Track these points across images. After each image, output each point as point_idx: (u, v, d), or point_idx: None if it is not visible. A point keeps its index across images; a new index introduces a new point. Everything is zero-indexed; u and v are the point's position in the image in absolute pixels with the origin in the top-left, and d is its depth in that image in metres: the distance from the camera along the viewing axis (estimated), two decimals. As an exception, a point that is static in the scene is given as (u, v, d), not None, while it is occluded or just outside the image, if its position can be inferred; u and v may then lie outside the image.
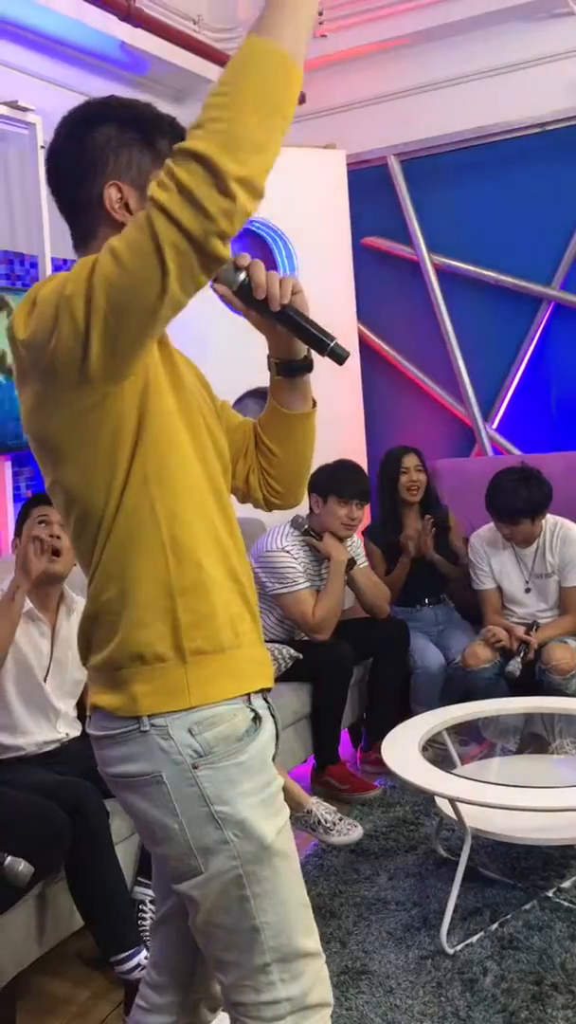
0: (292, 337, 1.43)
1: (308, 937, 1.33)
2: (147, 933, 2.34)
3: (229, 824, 1.27)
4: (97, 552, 1.28)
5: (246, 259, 1.35)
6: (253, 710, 1.33)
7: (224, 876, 1.28)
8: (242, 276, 1.35)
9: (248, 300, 1.37)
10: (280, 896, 1.30)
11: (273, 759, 1.39)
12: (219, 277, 1.35)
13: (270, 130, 1.07)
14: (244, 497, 1.57)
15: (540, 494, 3.41)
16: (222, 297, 1.39)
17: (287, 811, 1.35)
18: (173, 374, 1.33)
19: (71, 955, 2.40)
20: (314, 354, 1.46)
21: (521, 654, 3.35)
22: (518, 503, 3.39)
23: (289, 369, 1.48)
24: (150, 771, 1.27)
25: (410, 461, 3.88)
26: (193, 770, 1.26)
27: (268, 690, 1.39)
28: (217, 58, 4.27)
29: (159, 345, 1.32)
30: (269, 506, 1.58)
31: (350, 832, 2.86)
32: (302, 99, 4.67)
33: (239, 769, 1.28)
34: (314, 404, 1.53)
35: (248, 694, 1.33)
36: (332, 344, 1.37)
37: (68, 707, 2.58)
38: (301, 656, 3.08)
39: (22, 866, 1.97)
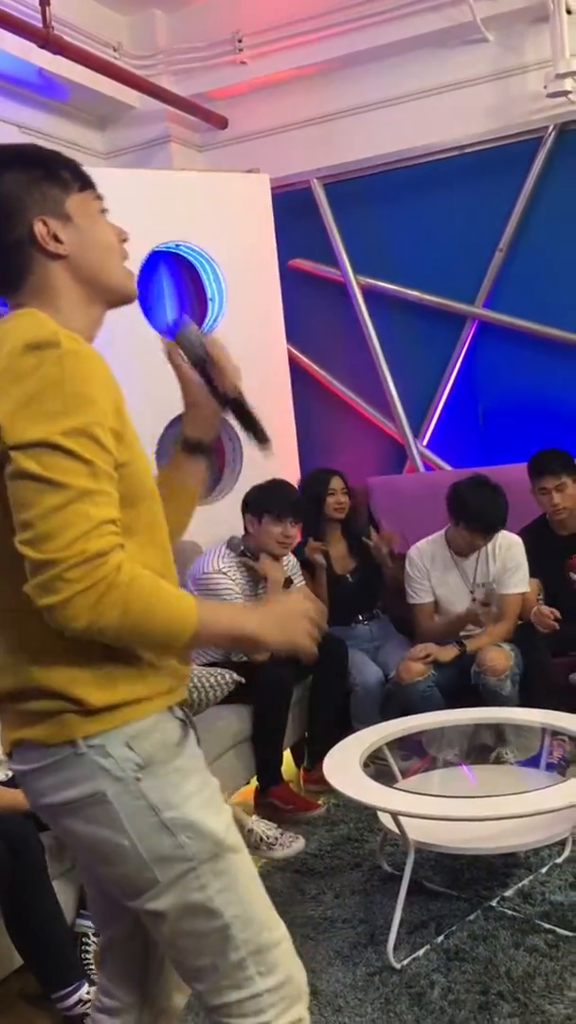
0: (214, 419, 1.55)
1: (276, 926, 1.37)
2: (90, 966, 2.30)
3: (180, 828, 1.28)
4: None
5: (215, 344, 1.48)
6: (178, 718, 1.36)
7: (183, 880, 1.29)
8: (202, 352, 1.47)
9: (204, 375, 1.49)
10: (240, 889, 1.32)
11: None
12: (183, 344, 1.47)
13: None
14: None
15: (507, 503, 3.47)
16: (170, 357, 1.50)
17: (229, 809, 1.37)
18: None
19: (13, 994, 2.34)
20: None
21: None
22: (501, 515, 3.45)
23: (201, 449, 1.58)
24: (92, 792, 1.26)
25: (336, 483, 3.97)
26: (136, 782, 1.27)
27: (183, 703, 1.42)
28: (138, 84, 4.29)
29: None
30: None
31: (292, 844, 2.86)
32: (224, 124, 4.74)
33: (179, 774, 1.30)
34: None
35: (171, 706, 1.35)
36: (267, 443, 1.52)
37: None
38: (244, 680, 3.07)
39: None
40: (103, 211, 1.40)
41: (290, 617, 1.35)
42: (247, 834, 2.83)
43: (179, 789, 1.29)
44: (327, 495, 3.93)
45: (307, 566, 3.86)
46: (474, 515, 3.46)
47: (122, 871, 1.30)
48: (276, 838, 2.84)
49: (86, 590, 1.15)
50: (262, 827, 2.84)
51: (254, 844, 2.84)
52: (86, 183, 1.38)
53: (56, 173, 1.36)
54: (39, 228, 1.32)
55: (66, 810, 1.29)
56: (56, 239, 1.33)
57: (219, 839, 1.30)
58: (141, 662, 1.30)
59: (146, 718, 1.30)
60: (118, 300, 1.41)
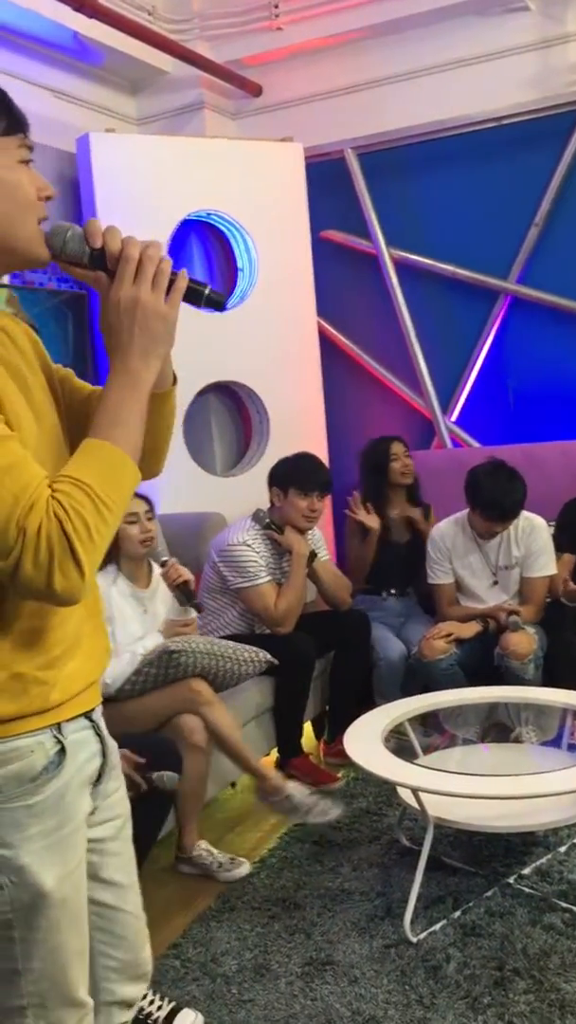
0: None
1: (77, 987, 1.27)
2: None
3: (5, 869, 1.19)
4: None
5: (98, 235, 1.21)
6: (60, 741, 1.23)
7: None
8: (88, 249, 1.22)
9: (108, 272, 1.23)
10: (50, 945, 1.23)
11: (100, 778, 1.32)
12: (64, 252, 1.23)
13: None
14: None
15: (524, 489, 3.44)
16: (75, 275, 1.26)
17: (81, 850, 1.28)
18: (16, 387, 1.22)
19: None
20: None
21: (514, 624, 3.41)
22: (517, 502, 3.41)
23: None
24: None
25: (398, 448, 4.00)
26: None
27: (92, 710, 1.31)
28: (172, 49, 4.24)
29: None
30: None
31: (329, 812, 2.79)
32: (258, 91, 4.68)
33: (27, 812, 1.19)
34: (175, 380, 1.38)
35: (59, 723, 1.24)
36: (207, 291, 1.29)
37: None
38: (277, 662, 3.05)
39: (167, 776, 2.35)
40: (27, 161, 1.20)
41: (136, 321, 1.18)
42: (284, 800, 2.78)
43: (21, 829, 1.19)
44: (390, 461, 3.94)
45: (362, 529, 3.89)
46: (489, 503, 3.42)
47: None
48: (313, 805, 2.79)
49: (50, 561, 1.07)
50: (299, 792, 2.80)
51: (290, 810, 2.80)
52: (14, 125, 1.18)
53: None
54: None
55: None
56: None
57: (44, 892, 1.20)
58: (8, 675, 1.17)
59: (13, 739, 1.18)
60: (21, 264, 1.24)
